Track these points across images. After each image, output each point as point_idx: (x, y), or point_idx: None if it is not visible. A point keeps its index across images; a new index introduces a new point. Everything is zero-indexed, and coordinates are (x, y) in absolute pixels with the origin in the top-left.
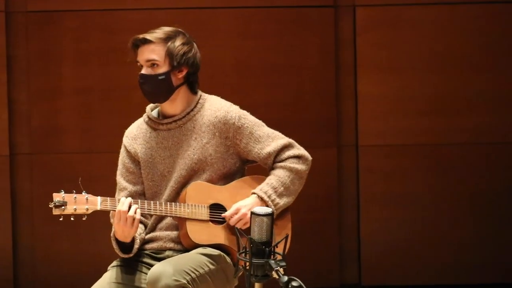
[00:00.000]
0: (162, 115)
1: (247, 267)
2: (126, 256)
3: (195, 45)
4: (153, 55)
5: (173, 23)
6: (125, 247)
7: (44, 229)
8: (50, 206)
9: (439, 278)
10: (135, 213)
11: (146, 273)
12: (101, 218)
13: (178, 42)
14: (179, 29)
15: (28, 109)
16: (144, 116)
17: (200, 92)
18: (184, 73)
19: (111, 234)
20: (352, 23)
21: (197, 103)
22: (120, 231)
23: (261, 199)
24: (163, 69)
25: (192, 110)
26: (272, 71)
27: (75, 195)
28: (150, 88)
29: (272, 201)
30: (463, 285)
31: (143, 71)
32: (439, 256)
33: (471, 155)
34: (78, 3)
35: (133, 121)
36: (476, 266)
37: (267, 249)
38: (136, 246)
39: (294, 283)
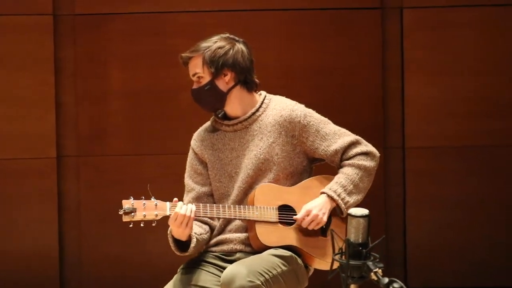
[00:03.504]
0: (228, 117)
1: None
2: (182, 254)
3: (238, 45)
4: (194, 69)
5: (220, 25)
6: (182, 245)
7: (91, 231)
8: (119, 213)
9: (486, 280)
10: (186, 212)
11: (215, 274)
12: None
13: (214, 48)
14: (223, 34)
15: (75, 112)
16: (212, 118)
17: (264, 93)
18: (229, 75)
19: (168, 231)
20: (399, 25)
21: (262, 103)
22: (174, 230)
23: (331, 198)
24: (206, 79)
25: (257, 110)
26: (318, 74)
27: (144, 201)
28: (202, 100)
29: (342, 199)
30: (510, 287)
31: (193, 87)
32: (486, 259)
33: None
34: (125, 6)
35: (180, 124)
36: None
37: (364, 250)
38: (192, 245)
39: (395, 285)
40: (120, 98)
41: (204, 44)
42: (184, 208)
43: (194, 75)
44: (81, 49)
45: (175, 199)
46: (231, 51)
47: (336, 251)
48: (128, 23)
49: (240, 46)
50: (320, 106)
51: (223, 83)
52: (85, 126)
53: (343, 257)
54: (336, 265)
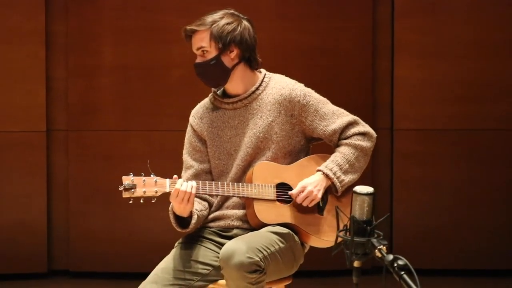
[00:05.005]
0: (227, 95)
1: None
2: (183, 230)
3: (244, 22)
4: (200, 42)
5: (213, 4)
6: (183, 221)
7: (79, 205)
8: (119, 189)
9: (470, 263)
10: (187, 189)
11: (213, 250)
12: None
13: (221, 24)
14: (228, 10)
15: (66, 86)
16: (210, 96)
17: (264, 71)
18: (235, 52)
19: (169, 208)
20: (390, 7)
21: (262, 81)
22: (176, 207)
23: (326, 176)
24: (212, 54)
25: (257, 89)
26: (309, 54)
27: (144, 178)
28: (206, 75)
29: (338, 178)
30: (495, 270)
31: (197, 60)
32: (471, 241)
33: (506, 142)
34: None
35: (170, 101)
36: (509, 251)
37: (368, 227)
38: (193, 221)
39: (400, 262)
40: (111, 73)
41: (211, 19)
42: (185, 184)
43: (199, 48)
44: (73, 23)
45: (175, 176)
46: (239, 27)
47: (341, 228)
48: None
49: (246, 23)
50: (310, 86)
51: (228, 59)
52: (75, 100)
53: (347, 234)
54: (327, 243)
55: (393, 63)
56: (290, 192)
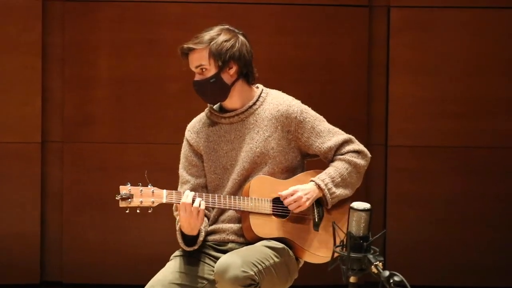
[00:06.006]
0: (224, 109)
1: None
2: (190, 249)
3: (240, 37)
4: (199, 61)
5: (209, 17)
6: (189, 240)
7: (73, 217)
8: (116, 198)
9: (465, 279)
10: (199, 205)
11: (209, 264)
12: (128, 212)
13: (220, 41)
14: (223, 26)
15: (62, 98)
16: (206, 110)
17: (261, 87)
18: (234, 68)
19: (177, 228)
20: (386, 23)
21: (259, 96)
22: (186, 223)
23: (318, 186)
24: (211, 71)
25: (254, 104)
26: (304, 68)
27: (141, 188)
28: (206, 93)
29: (329, 189)
30: (489, 287)
31: (195, 78)
32: (464, 257)
33: (500, 158)
34: None
35: (166, 114)
36: (502, 268)
37: (364, 243)
38: (201, 238)
39: (396, 278)
40: (106, 85)
41: (208, 36)
42: (196, 200)
43: (198, 67)
44: (70, 35)
45: (187, 190)
46: (237, 44)
47: (337, 244)
48: (117, 11)
49: (242, 39)
50: (305, 101)
51: (227, 76)
52: (70, 112)
53: (344, 249)
54: (322, 259)
55: (388, 79)
56: (279, 192)
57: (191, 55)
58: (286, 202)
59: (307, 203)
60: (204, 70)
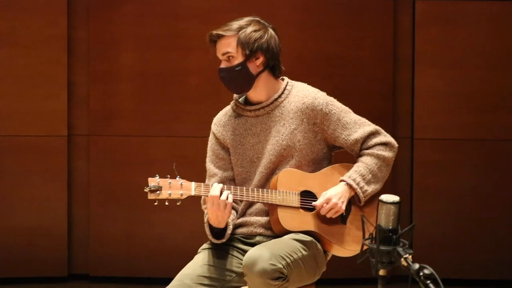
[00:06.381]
0: (249, 102)
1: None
2: (218, 242)
3: (270, 30)
4: (226, 48)
5: (232, 11)
6: (217, 233)
7: (99, 210)
8: (145, 190)
9: (491, 273)
10: (227, 198)
11: (237, 257)
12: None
13: (249, 30)
14: (254, 17)
15: (87, 91)
16: (232, 103)
17: (286, 79)
18: (261, 59)
19: (205, 220)
20: (411, 17)
21: (285, 89)
22: (214, 216)
23: (350, 186)
24: (238, 59)
25: (279, 96)
26: (329, 63)
27: (169, 180)
28: (230, 80)
29: (361, 188)
30: None
31: (221, 65)
32: (491, 250)
33: None
34: None
35: (188, 107)
36: None
37: (394, 236)
38: (229, 231)
39: (425, 271)
40: (131, 79)
41: (237, 25)
42: (223, 193)
43: (224, 54)
44: (94, 29)
45: (215, 183)
46: (266, 35)
47: (366, 236)
48: (140, 5)
49: (272, 32)
50: (330, 95)
51: (253, 66)
52: (96, 105)
53: (373, 242)
54: (349, 253)
55: (414, 73)
56: (314, 203)
57: (219, 42)
58: (322, 211)
59: (343, 206)
60: (230, 57)
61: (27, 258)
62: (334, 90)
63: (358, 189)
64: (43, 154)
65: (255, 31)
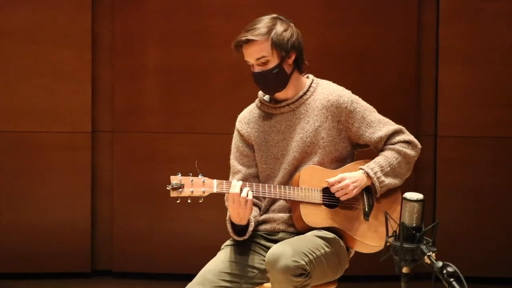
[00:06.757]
0: (274, 100)
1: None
2: (240, 239)
3: (293, 26)
4: (261, 52)
5: (257, 7)
6: (239, 230)
7: (122, 206)
8: (167, 188)
9: None
10: (247, 195)
11: (259, 253)
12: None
13: (279, 31)
14: (274, 15)
15: (111, 88)
16: (256, 101)
17: (312, 76)
18: (293, 58)
19: (227, 218)
20: (435, 12)
21: (310, 86)
22: (235, 213)
23: (367, 174)
24: (274, 62)
25: (304, 93)
26: (352, 58)
27: (191, 178)
28: (267, 84)
29: (378, 178)
30: None
31: (256, 70)
32: None
33: None
34: None
35: (213, 104)
36: None
37: (417, 234)
38: (251, 228)
39: (449, 269)
40: (155, 75)
41: (266, 27)
42: (243, 190)
43: (259, 58)
44: (119, 25)
45: (235, 180)
46: (294, 33)
47: (389, 234)
48: (165, 1)
49: (295, 28)
50: (353, 91)
51: (287, 66)
52: (120, 102)
53: (397, 239)
54: (372, 249)
55: (438, 69)
56: (326, 179)
57: (250, 47)
58: (332, 189)
59: (354, 191)
60: (266, 61)
61: (51, 253)
62: (357, 86)
63: (375, 179)
64: (68, 150)
65: (284, 30)
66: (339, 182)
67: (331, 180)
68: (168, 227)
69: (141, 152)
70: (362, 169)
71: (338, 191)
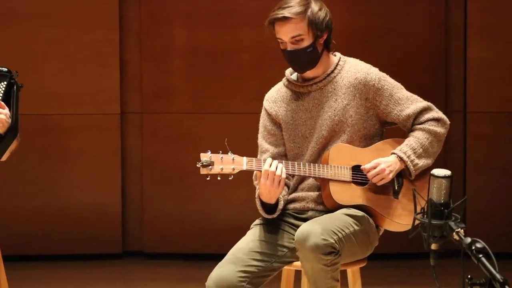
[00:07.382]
0: (302, 78)
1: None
2: (269, 217)
3: (324, 5)
4: (296, 31)
5: None
6: (269, 208)
7: (152, 187)
8: (197, 165)
9: None
10: (281, 173)
11: (289, 232)
12: (208, 179)
13: (315, 10)
14: None
15: (139, 69)
16: (284, 79)
17: (339, 54)
18: (325, 37)
19: (256, 195)
20: None
21: (337, 64)
22: (266, 191)
23: (401, 159)
24: (308, 41)
25: (332, 72)
26: (380, 35)
27: (221, 155)
28: (300, 62)
29: (412, 161)
30: None
31: (289, 48)
32: None
33: None
34: None
35: (240, 84)
36: None
37: (445, 210)
38: (280, 207)
39: (478, 245)
40: (182, 56)
41: (302, 5)
42: (274, 164)
43: (294, 37)
44: (146, 8)
45: (269, 158)
46: (328, 12)
47: (418, 211)
48: None
49: (325, 6)
50: (381, 69)
51: (319, 45)
52: (148, 83)
53: (425, 216)
54: (402, 227)
55: (466, 44)
56: (362, 166)
57: (286, 25)
58: (369, 175)
59: (390, 176)
60: (301, 40)
61: (82, 235)
62: (385, 63)
63: (409, 162)
64: (97, 132)
65: (319, 9)
66: (375, 167)
67: (367, 166)
68: (197, 207)
69: (170, 133)
70: (395, 153)
71: (374, 176)
